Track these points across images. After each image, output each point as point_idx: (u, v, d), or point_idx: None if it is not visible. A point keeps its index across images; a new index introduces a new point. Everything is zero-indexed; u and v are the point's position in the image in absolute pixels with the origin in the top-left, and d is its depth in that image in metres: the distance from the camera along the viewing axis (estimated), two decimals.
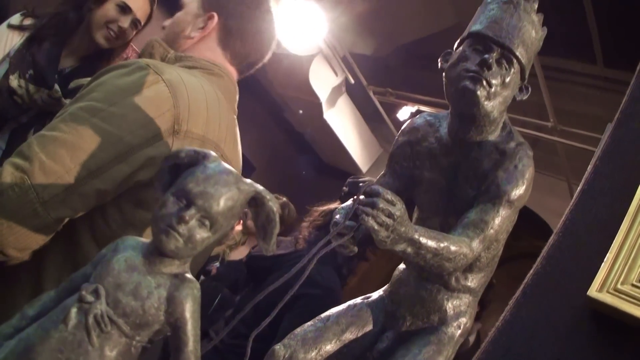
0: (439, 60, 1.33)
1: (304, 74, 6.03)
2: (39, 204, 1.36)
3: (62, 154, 1.39)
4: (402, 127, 1.46)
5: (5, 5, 3.41)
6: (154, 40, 1.73)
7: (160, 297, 0.86)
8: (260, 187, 0.92)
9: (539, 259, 1.56)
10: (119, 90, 1.50)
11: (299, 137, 7.77)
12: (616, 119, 1.62)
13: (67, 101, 2.40)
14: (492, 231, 1.23)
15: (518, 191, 1.24)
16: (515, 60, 1.25)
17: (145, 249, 0.88)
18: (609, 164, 1.57)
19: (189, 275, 0.90)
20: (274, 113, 7.49)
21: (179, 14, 1.83)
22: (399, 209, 1.06)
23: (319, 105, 6.41)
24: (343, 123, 6.87)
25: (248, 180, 0.90)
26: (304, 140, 7.81)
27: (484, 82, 1.22)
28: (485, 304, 3.08)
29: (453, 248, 1.16)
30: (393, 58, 6.85)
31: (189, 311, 0.87)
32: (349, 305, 1.39)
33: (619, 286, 1.33)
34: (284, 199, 4.11)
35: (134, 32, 2.58)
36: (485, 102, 1.23)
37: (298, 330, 1.30)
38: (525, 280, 1.56)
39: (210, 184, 0.83)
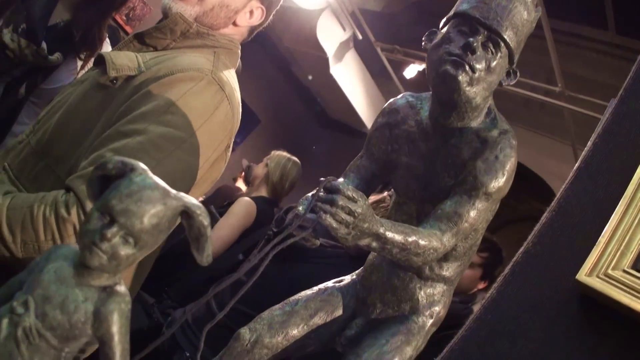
0: (422, 39, 1.27)
1: (312, 28, 5.96)
2: None
3: None
4: (383, 107, 1.39)
5: None
6: (177, 15, 1.65)
7: (87, 312, 0.84)
8: (189, 201, 0.86)
9: (530, 237, 1.52)
10: (196, 116, 1.51)
11: (305, 91, 7.73)
12: (619, 96, 1.56)
13: (57, 55, 2.37)
14: (466, 224, 1.18)
15: (497, 183, 1.18)
16: (502, 44, 1.18)
17: (77, 260, 0.86)
18: (608, 142, 1.52)
19: (118, 288, 0.87)
20: (281, 66, 7.44)
21: None
22: (360, 205, 1.01)
23: (326, 60, 6.35)
24: (349, 78, 6.82)
25: (178, 194, 0.86)
26: (310, 94, 7.77)
27: (467, 67, 1.15)
28: (494, 277, 3.04)
29: (422, 242, 1.12)
30: (403, 15, 6.76)
31: (116, 326, 0.84)
32: (320, 289, 1.36)
33: (609, 271, 1.29)
34: (289, 156, 4.00)
35: None
36: (467, 88, 1.16)
37: (266, 313, 1.28)
38: (515, 258, 1.53)
39: (133, 201, 0.80)
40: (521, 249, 1.53)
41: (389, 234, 1.08)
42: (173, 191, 0.85)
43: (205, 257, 0.87)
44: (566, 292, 1.38)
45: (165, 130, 1.46)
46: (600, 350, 1.31)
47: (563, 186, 1.54)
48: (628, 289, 1.26)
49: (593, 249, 1.33)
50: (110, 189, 0.82)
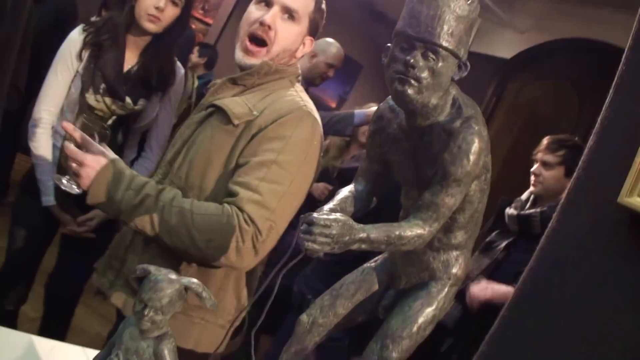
0: (382, 55, 1.43)
1: None
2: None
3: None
4: (372, 117, 1.59)
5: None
6: (265, 64, 2.00)
7: (150, 353, 1.29)
8: (187, 281, 1.29)
9: (580, 163, 1.55)
10: (305, 145, 1.89)
11: (394, 23, 7.63)
12: None
13: (142, 102, 2.65)
14: (444, 210, 1.35)
15: (463, 169, 1.31)
16: (441, 49, 1.30)
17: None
18: None
19: (165, 335, 1.30)
20: (366, 7, 7.36)
21: (295, 31, 2.07)
22: (335, 228, 1.23)
23: None
24: None
25: (180, 278, 1.29)
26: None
27: (412, 81, 1.31)
28: None
29: (405, 234, 1.32)
30: None
31: (167, 357, 1.29)
32: (358, 271, 1.63)
33: None
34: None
35: (179, 9, 2.60)
36: (418, 97, 1.32)
37: (318, 300, 1.58)
38: (569, 185, 1.57)
39: (153, 292, 1.24)
40: (573, 176, 1.57)
41: (373, 236, 1.29)
42: (175, 276, 1.28)
43: (210, 306, 1.30)
44: (615, 215, 1.42)
45: (290, 158, 1.84)
46: None
47: (604, 106, 1.55)
48: None
49: (630, 170, 1.36)
50: (141, 286, 1.27)
